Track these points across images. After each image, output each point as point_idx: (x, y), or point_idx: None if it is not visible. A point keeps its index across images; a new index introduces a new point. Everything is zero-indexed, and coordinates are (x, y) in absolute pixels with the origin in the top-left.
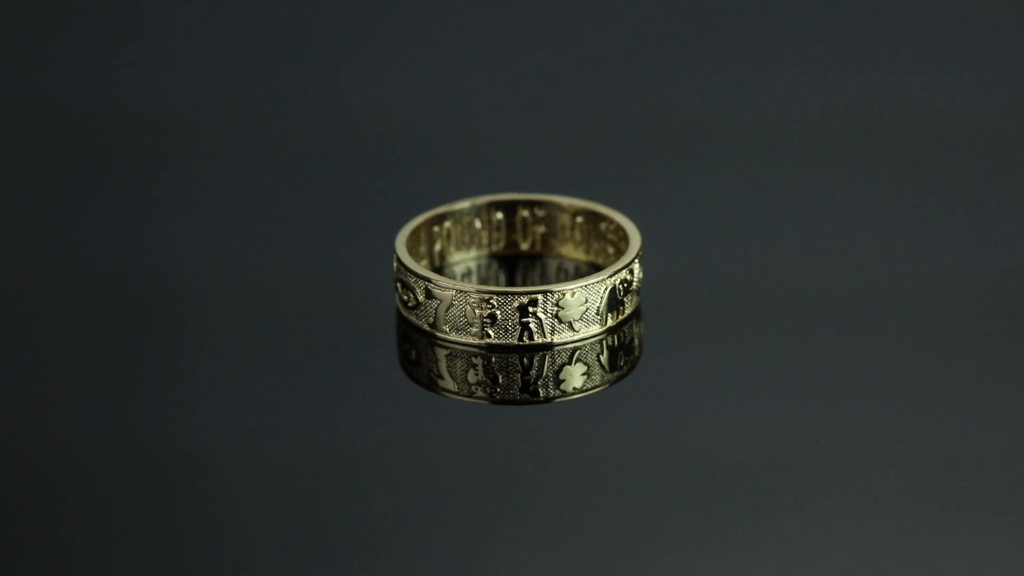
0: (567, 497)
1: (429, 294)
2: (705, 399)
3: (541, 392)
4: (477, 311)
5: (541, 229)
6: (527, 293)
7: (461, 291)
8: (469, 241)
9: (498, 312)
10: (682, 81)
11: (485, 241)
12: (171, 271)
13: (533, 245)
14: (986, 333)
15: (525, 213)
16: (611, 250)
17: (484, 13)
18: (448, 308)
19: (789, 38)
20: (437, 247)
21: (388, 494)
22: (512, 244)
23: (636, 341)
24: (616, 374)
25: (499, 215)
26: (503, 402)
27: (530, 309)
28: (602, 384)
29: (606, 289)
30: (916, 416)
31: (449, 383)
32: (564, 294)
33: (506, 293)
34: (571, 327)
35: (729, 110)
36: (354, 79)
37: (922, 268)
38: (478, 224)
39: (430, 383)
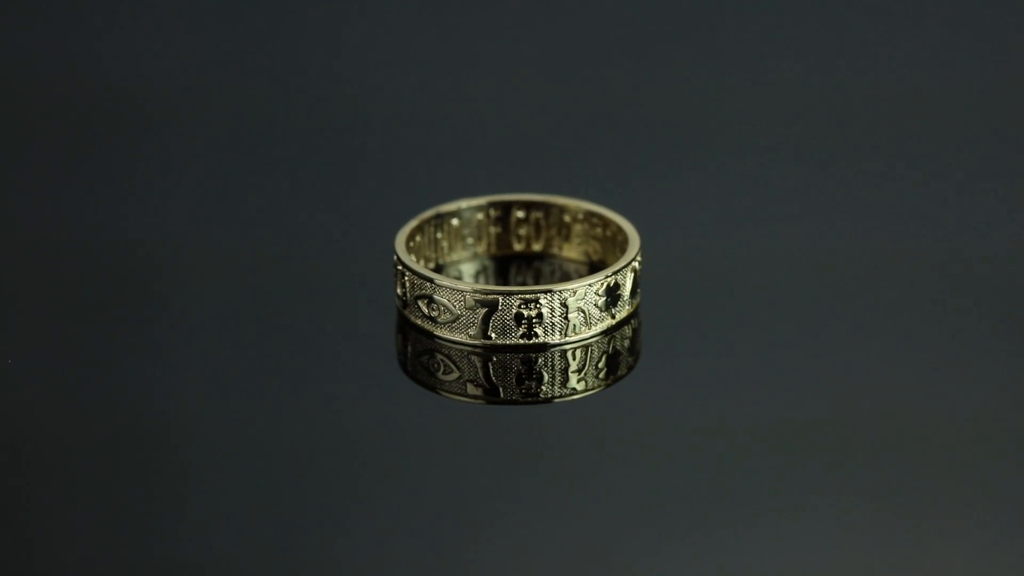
0: (577, 494)
1: (470, 304)
2: (704, 397)
3: (587, 383)
4: (525, 312)
5: (496, 229)
6: (570, 289)
7: (507, 293)
8: (437, 248)
9: (545, 310)
10: (680, 80)
11: (446, 248)
12: (169, 272)
13: (488, 247)
14: (988, 331)
15: (480, 216)
16: (582, 240)
17: (483, 13)
18: (493, 314)
19: (787, 37)
20: (415, 256)
21: (399, 496)
22: (468, 247)
23: (644, 327)
24: (634, 358)
25: (454, 222)
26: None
27: (576, 303)
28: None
29: (631, 273)
30: (917, 414)
31: (495, 390)
32: (603, 283)
33: (550, 291)
34: (611, 315)
35: (725, 108)
36: (353, 77)
37: (922, 264)
38: (439, 234)
39: (473, 395)
